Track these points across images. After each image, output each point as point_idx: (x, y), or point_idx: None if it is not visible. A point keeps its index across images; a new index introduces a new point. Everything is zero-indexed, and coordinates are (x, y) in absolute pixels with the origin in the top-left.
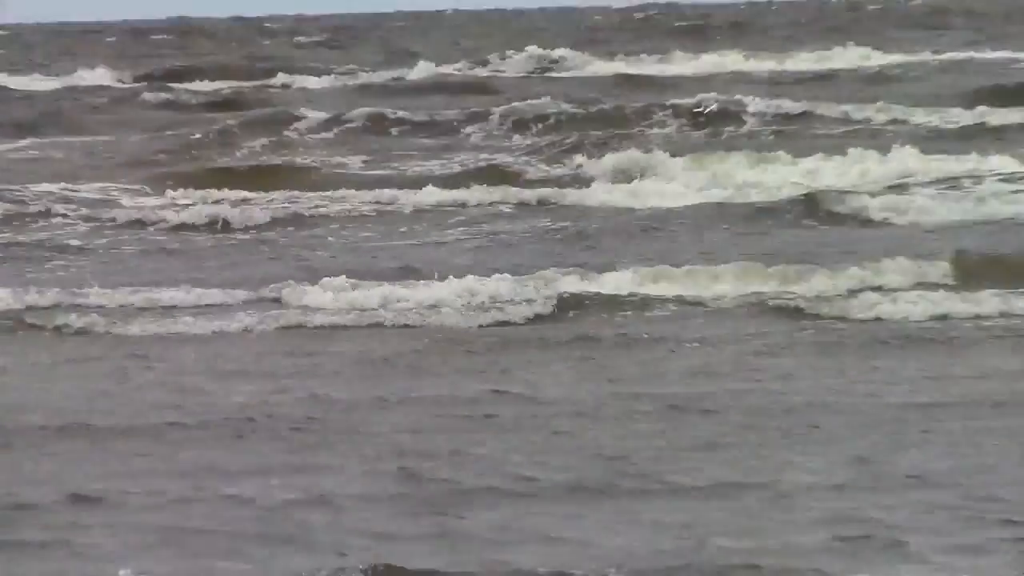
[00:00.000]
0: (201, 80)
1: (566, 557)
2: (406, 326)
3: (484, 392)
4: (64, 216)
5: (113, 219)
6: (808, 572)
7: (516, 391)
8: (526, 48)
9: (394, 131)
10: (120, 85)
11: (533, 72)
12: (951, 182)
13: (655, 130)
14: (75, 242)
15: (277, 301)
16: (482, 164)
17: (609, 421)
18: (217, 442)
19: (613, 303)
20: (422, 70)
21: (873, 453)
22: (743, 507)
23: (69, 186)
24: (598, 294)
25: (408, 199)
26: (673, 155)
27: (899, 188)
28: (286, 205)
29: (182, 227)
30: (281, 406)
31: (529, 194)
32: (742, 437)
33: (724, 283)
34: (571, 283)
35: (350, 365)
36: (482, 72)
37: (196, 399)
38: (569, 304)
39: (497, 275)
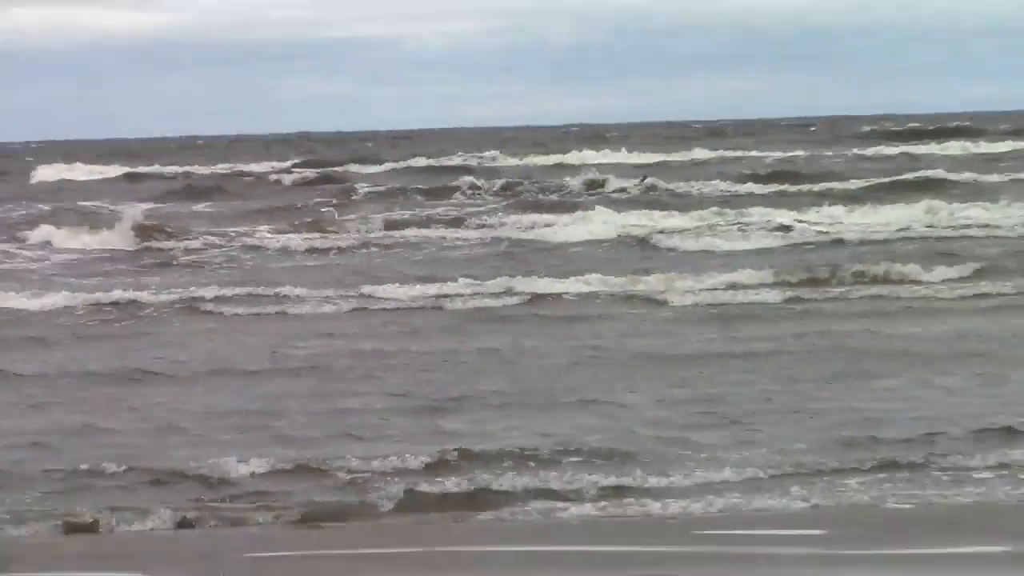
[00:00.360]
0: (309, 167)
1: (504, 443)
2: (427, 308)
3: (467, 348)
4: (222, 245)
5: (250, 246)
6: (636, 452)
7: (484, 346)
8: (486, 151)
9: (420, 186)
10: (260, 171)
11: (495, 160)
12: (737, 226)
13: (564, 192)
14: (231, 255)
15: (347, 295)
16: (465, 213)
17: (540, 362)
18: (298, 377)
19: (549, 296)
20: (431, 160)
21: (678, 383)
22: (601, 414)
23: (226, 228)
24: (549, 293)
25: (424, 234)
26: (574, 208)
27: (706, 230)
28: (354, 237)
29: (290, 251)
30: (339, 355)
31: (491, 232)
32: (608, 372)
33: (609, 284)
34: (524, 283)
35: (386, 331)
36: (466, 162)
37: (290, 352)
38: (524, 295)
39: (493, 279)
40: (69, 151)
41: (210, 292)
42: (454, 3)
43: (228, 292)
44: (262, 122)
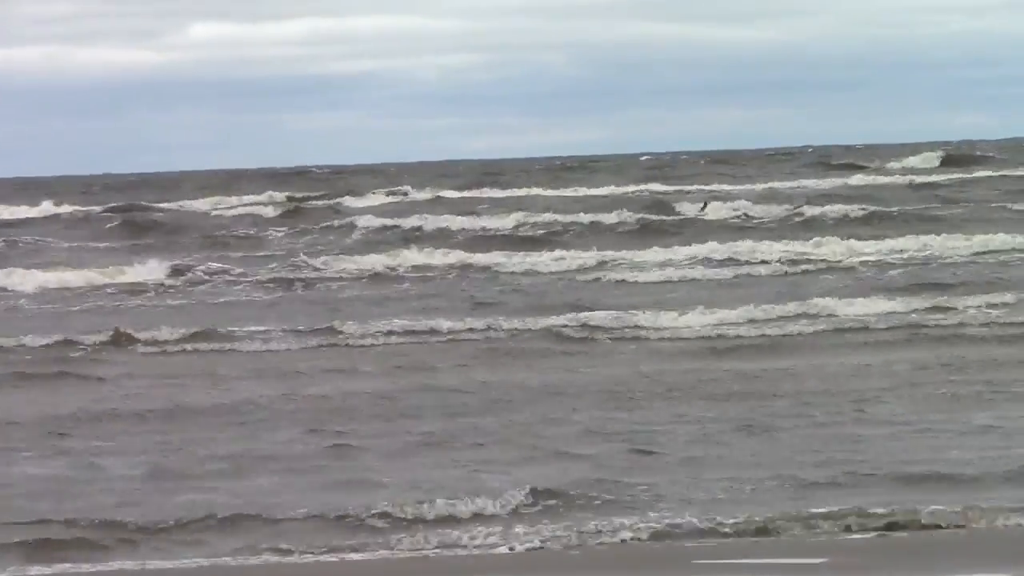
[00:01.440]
0: (305, 201)
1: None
2: (423, 343)
3: (466, 379)
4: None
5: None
6: (636, 483)
7: (484, 379)
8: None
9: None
10: (261, 199)
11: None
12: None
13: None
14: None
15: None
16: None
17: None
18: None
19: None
20: (403, 195)
21: (656, 411)
22: (593, 445)
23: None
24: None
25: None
26: (537, 245)
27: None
28: (359, 266)
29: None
30: (357, 393)
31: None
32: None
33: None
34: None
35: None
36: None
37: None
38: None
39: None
40: (55, 187)
41: (206, 328)
42: (450, 38)
43: (226, 326)
44: (260, 157)
